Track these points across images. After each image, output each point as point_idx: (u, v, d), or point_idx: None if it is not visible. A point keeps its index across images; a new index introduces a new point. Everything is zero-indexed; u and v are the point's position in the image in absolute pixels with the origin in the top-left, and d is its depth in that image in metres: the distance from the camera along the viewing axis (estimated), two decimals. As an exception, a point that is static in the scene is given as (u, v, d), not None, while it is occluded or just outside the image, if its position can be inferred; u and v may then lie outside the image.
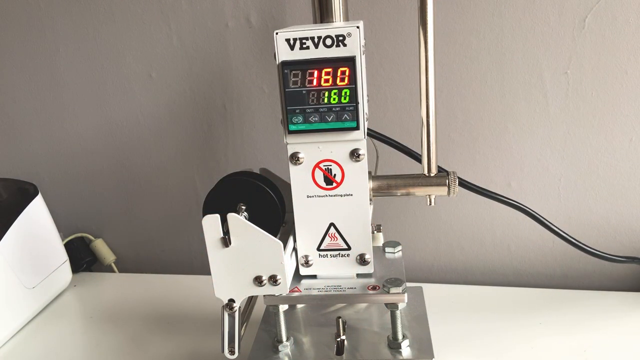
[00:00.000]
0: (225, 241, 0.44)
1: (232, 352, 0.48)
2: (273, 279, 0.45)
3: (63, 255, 0.84)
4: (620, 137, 0.71)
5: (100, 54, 0.84)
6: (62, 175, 0.93)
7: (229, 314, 0.47)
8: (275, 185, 0.51)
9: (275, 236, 0.47)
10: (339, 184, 0.47)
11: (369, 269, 0.49)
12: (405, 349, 0.47)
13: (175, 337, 0.70)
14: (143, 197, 0.91)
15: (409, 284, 0.56)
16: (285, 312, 0.57)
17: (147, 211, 0.92)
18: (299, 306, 0.57)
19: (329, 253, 0.49)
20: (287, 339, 0.49)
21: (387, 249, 0.54)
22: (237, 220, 0.44)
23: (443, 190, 0.52)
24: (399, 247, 0.55)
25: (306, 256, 0.50)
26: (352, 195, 0.48)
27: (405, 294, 0.46)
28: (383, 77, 0.74)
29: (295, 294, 0.48)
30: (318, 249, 0.49)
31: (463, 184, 0.54)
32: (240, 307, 0.47)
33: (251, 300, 0.55)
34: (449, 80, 0.73)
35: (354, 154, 0.46)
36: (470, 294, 0.76)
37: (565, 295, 0.74)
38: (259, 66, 0.79)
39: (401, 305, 0.47)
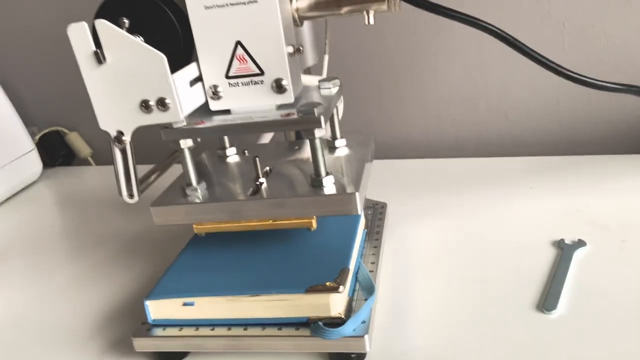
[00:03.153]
0: (98, 56, 0.37)
1: (131, 195, 0.42)
2: (161, 103, 0.38)
3: (29, 144, 0.80)
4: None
5: None
6: (29, 67, 0.89)
7: (119, 149, 0.40)
8: (181, 9, 0.43)
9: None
10: (239, -12, 0.39)
11: (287, 97, 0.41)
12: (329, 186, 0.40)
13: (138, 215, 0.65)
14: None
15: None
16: (209, 161, 0.50)
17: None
18: (229, 160, 0.50)
19: (239, 80, 0.41)
20: (199, 183, 0.43)
21: (322, 85, 0.46)
22: (108, 29, 0.36)
23: (381, 4, 0.42)
24: (337, 82, 0.46)
25: (214, 86, 0.42)
26: (257, 1, 0.39)
27: (322, 118, 0.38)
28: None
29: (198, 126, 0.40)
30: (227, 76, 0.41)
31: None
32: (131, 141, 0.40)
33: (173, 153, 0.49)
34: None
35: (253, -55, 0.37)
36: (458, 167, 0.67)
37: (568, 162, 0.64)
38: None
39: (319, 133, 0.39)
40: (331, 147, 0.48)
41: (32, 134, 0.84)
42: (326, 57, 0.58)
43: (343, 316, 0.38)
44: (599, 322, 0.38)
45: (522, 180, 0.61)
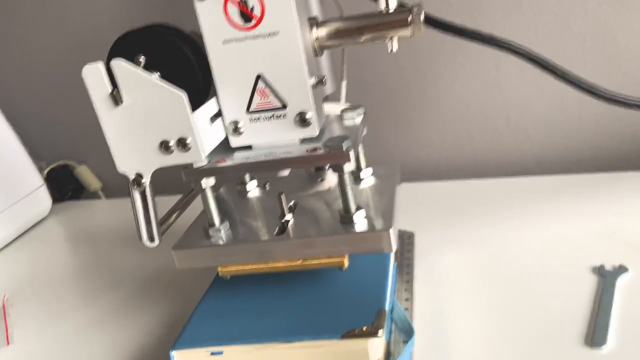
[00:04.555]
0: (115, 98, 0.35)
1: (151, 239, 0.40)
2: (182, 143, 0.36)
3: (38, 180, 0.78)
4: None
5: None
6: (35, 101, 0.87)
7: (139, 192, 0.39)
8: (197, 44, 0.41)
9: (199, 106, 0.38)
10: (259, 20, 0.37)
11: (312, 131, 0.39)
12: (359, 222, 0.38)
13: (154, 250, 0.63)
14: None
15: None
16: (229, 196, 0.48)
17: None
18: (250, 195, 0.48)
19: (261, 115, 0.40)
20: (222, 222, 0.41)
21: (346, 115, 0.44)
22: (124, 69, 0.35)
23: (405, 30, 0.40)
24: (361, 111, 0.44)
25: (235, 122, 0.40)
26: (277, 34, 0.37)
27: (351, 152, 0.36)
28: None
29: (220, 164, 0.39)
30: (248, 111, 0.40)
31: (432, 21, 0.42)
32: (151, 183, 0.38)
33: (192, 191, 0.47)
34: None
35: (272, -24, 0.36)
36: (481, 188, 0.65)
37: (595, 179, 0.62)
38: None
39: (348, 168, 0.37)
40: (356, 177, 0.47)
41: (41, 169, 0.83)
42: (344, 83, 0.56)
43: (383, 362, 0.36)
44: (655, 358, 0.36)
45: (549, 200, 0.59)
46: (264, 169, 0.38)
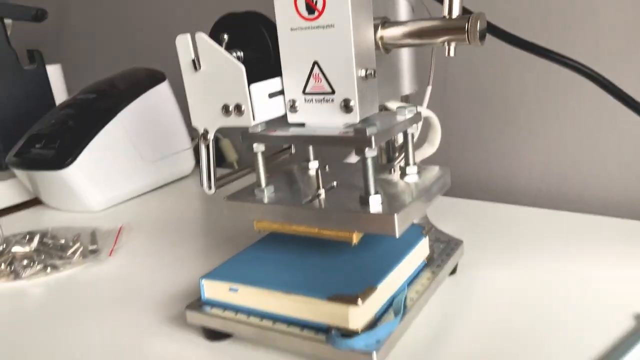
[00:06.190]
0: (194, 64, 0.44)
1: (210, 187, 0.48)
2: (238, 109, 0.43)
3: (186, 143, 0.93)
4: None
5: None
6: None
7: (205, 145, 0.47)
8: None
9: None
10: (320, 13, 0.43)
11: (353, 117, 0.43)
12: (372, 205, 0.41)
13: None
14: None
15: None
16: (296, 170, 0.54)
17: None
18: (310, 172, 0.53)
19: (314, 97, 0.45)
20: (267, 185, 0.47)
21: (399, 111, 0.47)
22: (202, 41, 0.43)
23: (462, 36, 0.42)
24: (413, 109, 0.47)
25: (293, 100, 0.46)
26: (333, 26, 0.42)
27: (373, 138, 0.40)
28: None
29: (270, 134, 0.45)
30: (304, 92, 0.45)
31: (495, 31, 0.43)
32: (212, 139, 0.46)
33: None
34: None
35: (332, -26, 0.41)
36: (580, 223, 0.61)
37: None
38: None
39: (369, 153, 0.40)
40: (403, 172, 0.49)
41: (192, 137, 0.98)
42: (429, 89, 0.58)
43: (360, 331, 0.39)
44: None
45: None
46: (302, 142, 0.44)
